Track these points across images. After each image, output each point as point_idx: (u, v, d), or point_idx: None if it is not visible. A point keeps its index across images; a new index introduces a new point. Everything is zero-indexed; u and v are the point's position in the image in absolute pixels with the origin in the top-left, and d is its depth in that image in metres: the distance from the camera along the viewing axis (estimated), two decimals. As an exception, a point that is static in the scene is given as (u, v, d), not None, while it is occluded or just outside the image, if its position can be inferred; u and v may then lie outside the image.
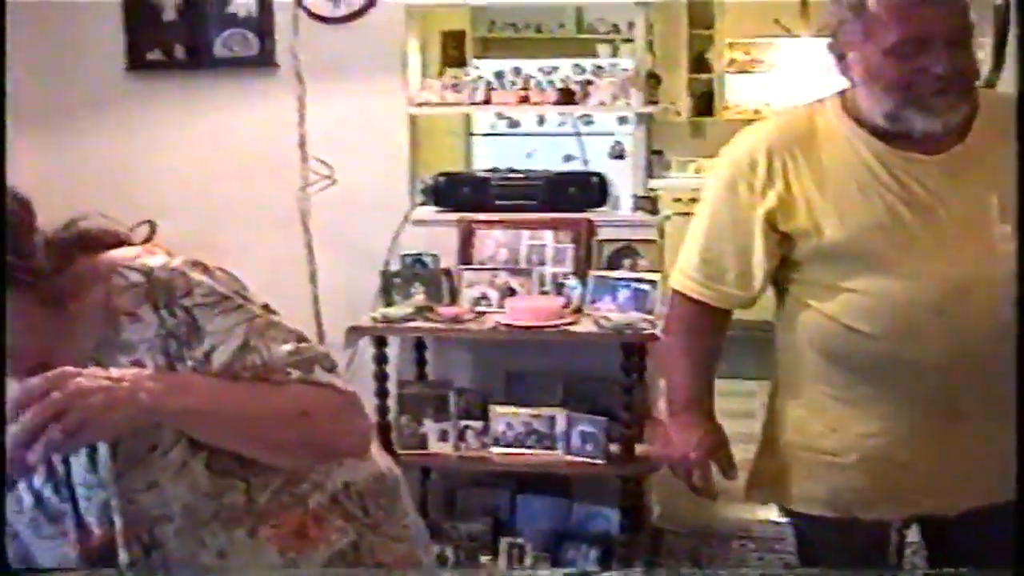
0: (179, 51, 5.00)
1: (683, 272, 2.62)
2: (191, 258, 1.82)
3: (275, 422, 1.74)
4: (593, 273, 4.60)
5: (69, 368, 1.53)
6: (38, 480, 1.78)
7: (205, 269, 1.80)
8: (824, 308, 2.45)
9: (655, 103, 4.95)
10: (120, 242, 1.84)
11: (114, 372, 1.59)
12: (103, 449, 1.73)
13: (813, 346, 2.51)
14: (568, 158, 6.61)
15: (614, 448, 4.42)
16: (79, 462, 1.76)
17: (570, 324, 4.40)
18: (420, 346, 4.83)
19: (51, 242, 1.74)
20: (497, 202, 4.81)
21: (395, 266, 4.75)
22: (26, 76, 4.79)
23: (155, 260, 1.79)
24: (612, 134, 7.54)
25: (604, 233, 4.72)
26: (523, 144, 7.66)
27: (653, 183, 5.34)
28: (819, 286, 2.47)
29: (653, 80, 4.90)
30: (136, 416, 1.58)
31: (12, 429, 1.47)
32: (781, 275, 2.55)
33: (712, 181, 2.62)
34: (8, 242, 1.65)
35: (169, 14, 4.99)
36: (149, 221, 1.89)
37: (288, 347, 1.77)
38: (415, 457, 4.50)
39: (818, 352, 2.50)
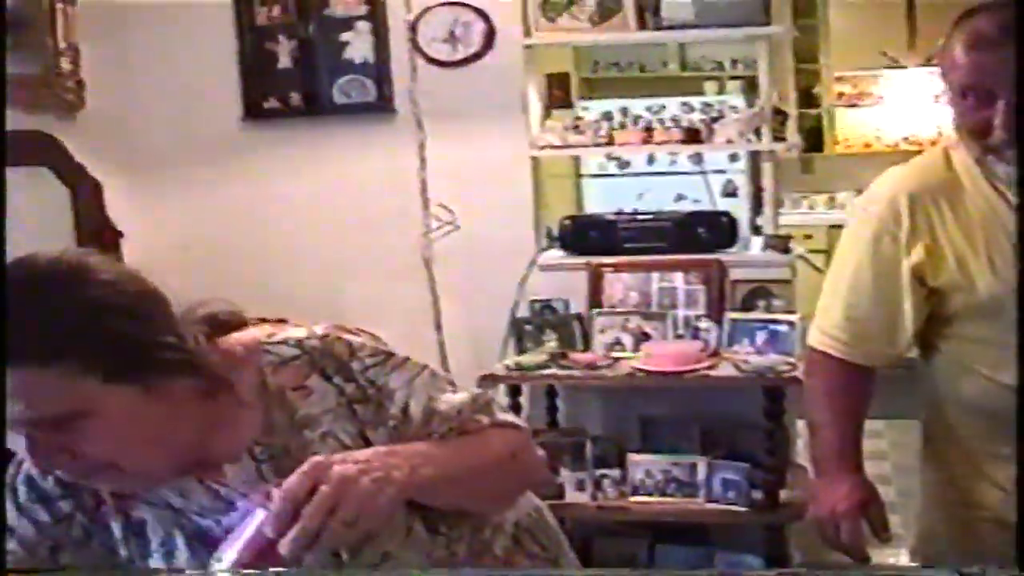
0: (295, 99, 5.10)
1: (825, 331, 2.58)
2: (328, 323, 1.83)
3: (497, 471, 1.79)
4: (729, 315, 4.64)
5: (319, 458, 1.52)
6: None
7: (348, 331, 1.82)
8: (979, 366, 2.40)
9: (782, 139, 4.99)
10: (244, 323, 1.82)
11: (357, 454, 1.58)
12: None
13: (968, 404, 2.45)
14: (680, 198, 6.67)
15: (757, 494, 4.43)
16: None
17: (709, 368, 4.44)
18: (551, 393, 4.87)
19: (187, 324, 1.70)
20: (625, 245, 4.87)
21: (524, 312, 4.82)
22: (144, 126, 4.94)
23: (298, 332, 1.79)
24: (724, 172, 7.61)
25: (735, 274, 4.76)
26: (634, 185, 7.71)
27: (761, 220, 5.39)
28: (972, 342, 2.42)
29: (780, 116, 4.95)
30: (398, 496, 1.56)
31: (289, 535, 1.44)
32: (929, 330, 2.49)
33: (852, 233, 2.56)
34: (160, 322, 1.63)
35: (284, 62, 5.10)
36: (282, 319, 1.87)
37: (465, 395, 1.82)
38: (551, 507, 4.52)
39: (974, 411, 2.44)
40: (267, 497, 1.50)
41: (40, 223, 4.59)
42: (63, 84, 4.73)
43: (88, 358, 1.54)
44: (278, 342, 1.76)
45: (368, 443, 1.70)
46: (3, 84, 3.15)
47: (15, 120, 4.42)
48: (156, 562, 1.71)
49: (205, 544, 1.67)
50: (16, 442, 1.58)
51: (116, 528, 1.74)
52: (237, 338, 1.76)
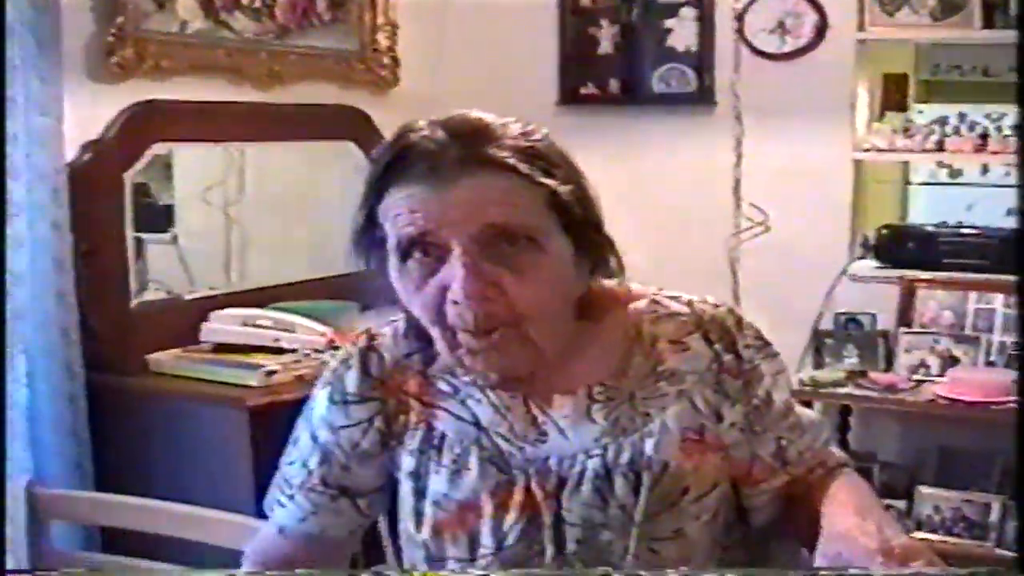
0: (614, 86, 5.44)
1: None
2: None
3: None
4: None
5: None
6: (508, 520, 1.79)
7: None
8: None
9: None
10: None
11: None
12: (644, 489, 1.76)
13: None
14: (1011, 212, 6.67)
15: None
16: (592, 500, 1.77)
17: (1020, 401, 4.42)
18: (844, 412, 4.97)
19: None
20: (944, 260, 4.95)
21: (827, 324, 5.00)
22: (455, 106, 5.35)
23: (690, 296, 1.91)
24: (1062, 186, 7.45)
25: None
26: (964, 196, 7.72)
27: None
28: None
29: None
30: None
31: None
32: None
33: None
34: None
35: (605, 47, 5.44)
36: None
37: (812, 413, 1.99)
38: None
39: None
40: None
41: (342, 196, 5.09)
42: (379, 60, 5.17)
43: (563, 197, 1.67)
44: (670, 296, 1.88)
45: (719, 418, 1.80)
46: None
47: (329, 94, 4.94)
48: (441, 479, 1.80)
49: (499, 469, 1.79)
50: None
51: (414, 439, 1.84)
52: (627, 285, 1.88)
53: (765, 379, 1.84)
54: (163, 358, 4.02)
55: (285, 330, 4.06)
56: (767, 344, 1.87)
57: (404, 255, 1.67)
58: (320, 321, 4.12)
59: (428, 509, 1.82)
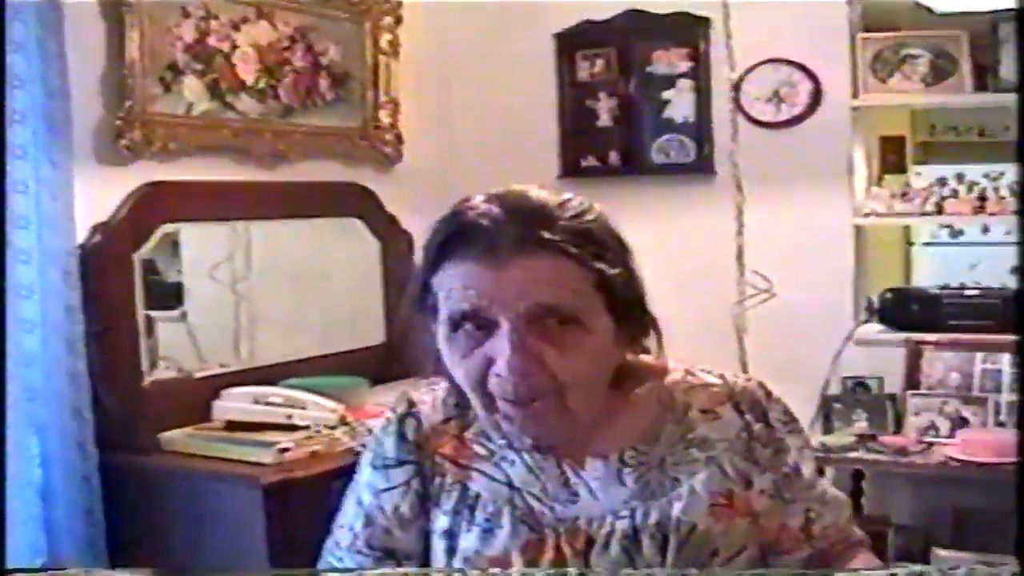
0: (614, 157, 5.51)
1: None
2: None
3: None
4: None
5: None
6: None
7: None
8: None
9: None
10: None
11: None
12: (671, 550, 1.81)
13: None
14: (1016, 270, 6.72)
15: None
16: (620, 559, 1.81)
17: None
18: (857, 476, 4.98)
19: None
20: (949, 322, 4.98)
21: (835, 388, 5.02)
22: (460, 181, 5.41)
23: (719, 370, 1.97)
24: (1061, 243, 7.52)
25: None
26: (967, 255, 7.77)
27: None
28: None
29: None
30: None
31: None
32: None
33: None
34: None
35: (604, 120, 5.52)
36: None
37: (840, 495, 2.02)
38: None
39: None
40: None
41: (349, 273, 5.13)
42: (382, 137, 5.21)
43: (609, 279, 1.72)
44: (703, 370, 1.95)
45: (749, 484, 1.86)
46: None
47: (334, 171, 4.99)
48: (473, 537, 1.84)
49: (530, 528, 1.83)
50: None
51: (449, 499, 1.88)
52: (665, 358, 1.93)
53: (792, 451, 1.91)
54: (175, 436, 4.02)
55: (296, 407, 4.07)
56: (794, 419, 1.96)
57: (455, 326, 1.72)
58: (331, 397, 4.13)
59: (459, 566, 1.86)
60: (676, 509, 1.81)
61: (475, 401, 1.77)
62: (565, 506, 1.84)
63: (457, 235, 1.70)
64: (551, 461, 1.85)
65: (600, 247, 1.73)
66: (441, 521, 1.88)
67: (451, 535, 1.87)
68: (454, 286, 1.70)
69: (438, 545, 1.89)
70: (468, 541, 1.85)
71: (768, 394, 1.94)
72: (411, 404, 1.95)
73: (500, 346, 1.69)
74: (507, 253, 1.67)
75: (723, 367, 1.98)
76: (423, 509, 1.91)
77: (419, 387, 2.00)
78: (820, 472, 4.39)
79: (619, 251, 1.79)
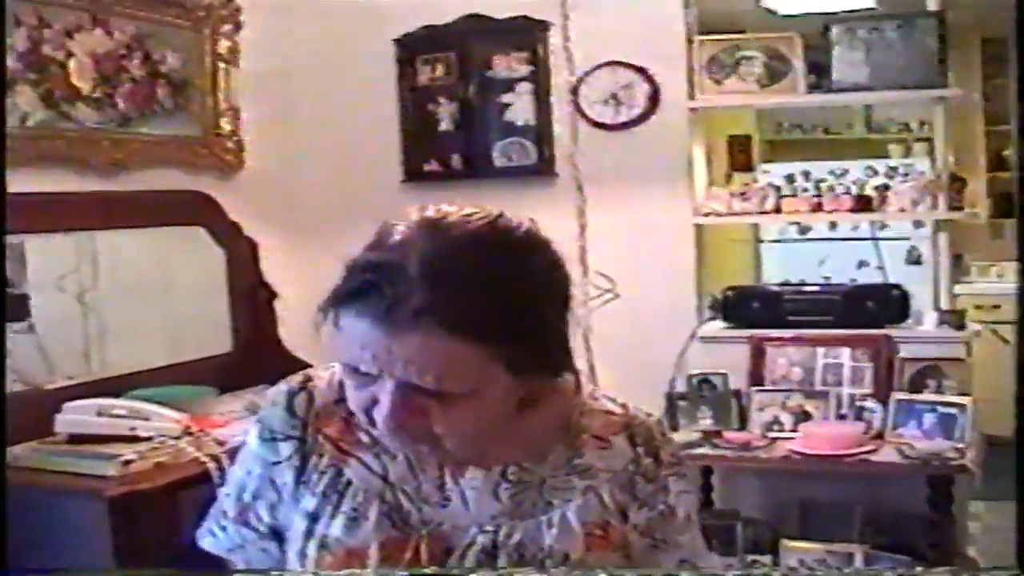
0: (456, 161, 5.56)
1: None
2: None
3: None
4: (895, 395, 4.79)
5: None
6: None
7: None
8: None
9: (959, 208, 5.16)
10: None
11: None
12: None
13: None
14: (862, 264, 6.88)
15: None
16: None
17: (870, 452, 4.58)
18: (707, 472, 5.10)
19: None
20: (790, 318, 5.12)
21: (680, 386, 5.10)
22: (303, 187, 5.42)
23: (624, 400, 1.96)
24: (908, 239, 7.78)
25: (905, 351, 4.93)
26: (815, 251, 7.96)
27: (935, 293, 5.57)
28: None
29: (957, 183, 5.13)
30: None
31: None
32: None
33: None
34: (566, 315, 1.74)
35: (446, 124, 5.57)
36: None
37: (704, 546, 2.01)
38: (697, 596, 4.76)
39: None
40: None
41: (195, 282, 5.09)
42: (222, 145, 5.18)
43: (513, 348, 1.62)
44: (608, 398, 1.91)
45: (625, 518, 1.83)
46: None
47: (175, 180, 4.94)
48: (337, 524, 1.82)
49: (394, 524, 1.80)
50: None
51: (321, 481, 1.85)
52: (571, 380, 1.87)
53: (672, 493, 1.87)
54: (19, 451, 3.95)
55: (140, 418, 4.02)
56: (681, 462, 1.93)
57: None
58: (177, 407, 4.10)
59: (313, 551, 1.84)
60: (549, 537, 1.79)
61: (360, 417, 1.75)
62: (434, 509, 1.81)
63: (358, 293, 1.61)
64: (433, 463, 1.83)
65: (512, 317, 1.62)
66: (307, 502, 1.86)
67: (314, 518, 1.85)
68: (352, 341, 1.62)
69: (299, 525, 1.86)
70: (330, 528, 1.83)
71: (663, 432, 1.92)
72: (307, 379, 1.91)
73: (383, 398, 1.64)
74: (403, 323, 1.57)
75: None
76: (298, 485, 1.88)
77: (264, 396, 1.98)
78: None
79: (540, 305, 1.68)
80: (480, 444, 1.79)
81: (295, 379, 1.93)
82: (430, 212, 1.68)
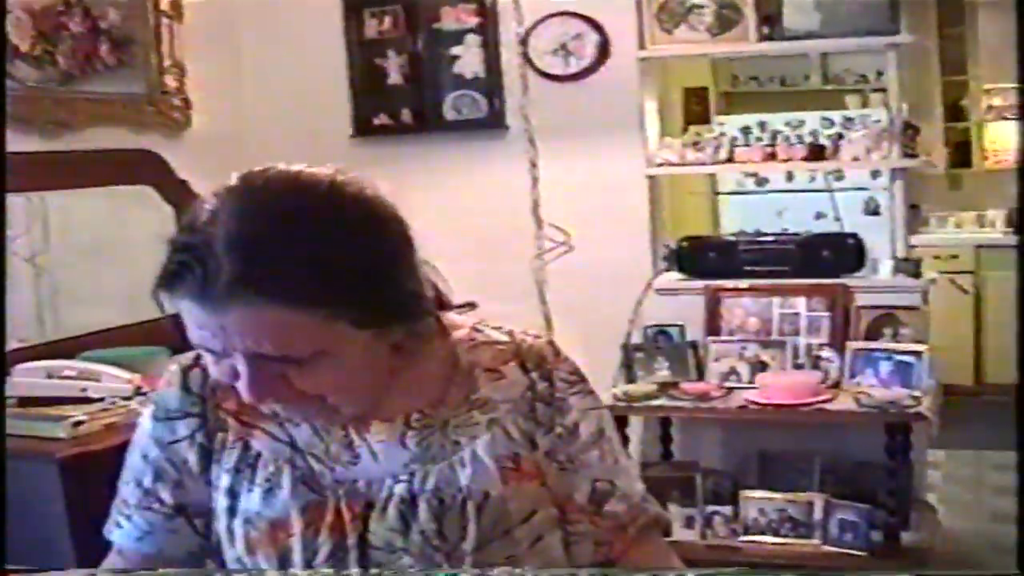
0: (406, 115, 5.55)
1: None
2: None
3: None
4: (851, 344, 4.83)
5: None
6: (318, 540, 1.80)
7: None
8: None
9: (914, 156, 5.17)
10: (446, 306, 1.91)
11: None
12: (472, 525, 1.79)
13: None
14: (820, 216, 6.90)
15: (876, 537, 4.60)
16: (396, 525, 1.79)
17: (827, 401, 4.62)
18: (665, 423, 5.13)
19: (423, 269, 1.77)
20: (745, 268, 5.13)
21: (637, 338, 5.11)
22: (251, 144, 5.37)
23: (508, 327, 1.95)
24: (866, 189, 7.84)
25: (862, 299, 4.96)
26: (772, 202, 8.00)
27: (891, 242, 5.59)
28: None
29: (910, 131, 5.13)
30: None
31: None
32: None
33: None
34: (412, 265, 1.71)
35: (395, 78, 5.55)
36: (471, 303, 2.02)
37: (635, 470, 1.98)
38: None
39: None
40: None
41: (146, 241, 5.03)
42: (168, 103, 5.14)
43: (347, 305, 1.61)
44: (493, 327, 1.92)
45: (534, 446, 1.83)
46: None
47: (121, 139, 4.89)
48: (255, 498, 1.81)
49: (310, 488, 1.80)
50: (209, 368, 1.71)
51: (231, 457, 1.84)
52: (448, 316, 1.89)
53: (573, 412, 1.87)
54: (-33, 415, 3.92)
55: (91, 379, 3.99)
56: (583, 380, 1.92)
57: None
58: (129, 368, 4.06)
59: (239, 528, 1.83)
60: (464, 477, 1.79)
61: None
62: (346, 468, 1.81)
63: (173, 274, 1.59)
64: (335, 422, 1.82)
65: (332, 277, 1.60)
66: (223, 479, 1.85)
67: (232, 494, 1.84)
68: (187, 320, 1.61)
69: (221, 503, 1.85)
70: (249, 502, 1.82)
71: (557, 352, 1.91)
72: (198, 355, 1.85)
73: (240, 370, 1.64)
74: (222, 299, 1.56)
75: (525, 323, 1.97)
76: (208, 464, 1.87)
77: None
78: (623, 418, 4.52)
79: (364, 257, 1.64)
80: (368, 396, 1.78)
81: (186, 356, 1.90)
82: (234, 180, 1.65)
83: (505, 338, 1.91)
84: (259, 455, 1.83)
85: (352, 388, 1.72)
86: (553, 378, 1.87)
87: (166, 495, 1.87)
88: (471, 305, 1.98)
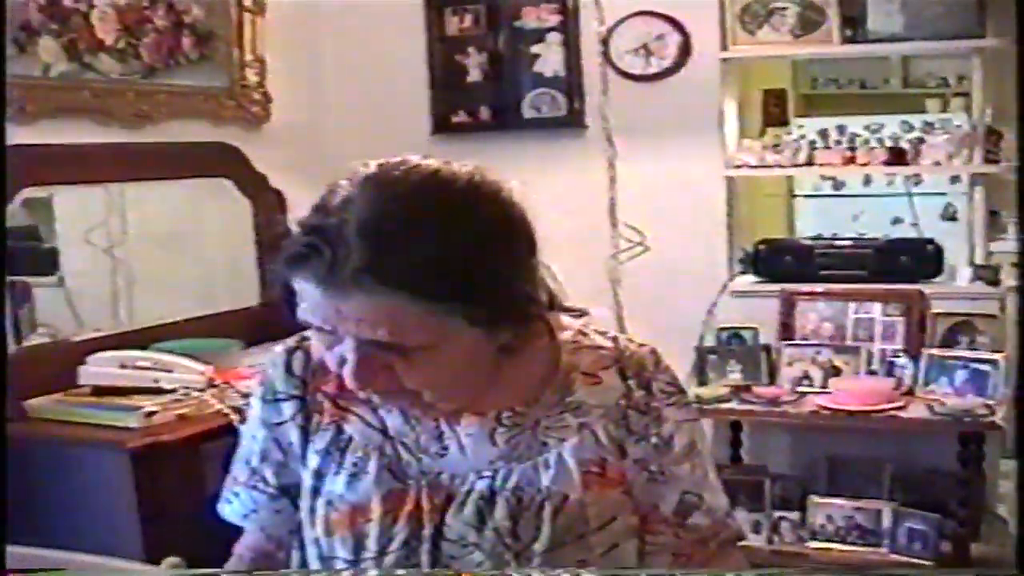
0: (485, 113, 5.59)
1: None
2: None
3: None
4: (926, 351, 4.80)
5: None
6: (395, 528, 1.83)
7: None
8: None
9: (996, 161, 5.09)
10: (556, 307, 1.92)
11: None
12: (546, 526, 1.80)
13: None
14: (896, 221, 6.87)
15: (945, 547, 4.59)
16: (472, 520, 1.81)
17: (900, 408, 4.61)
18: (736, 427, 5.14)
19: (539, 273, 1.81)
20: (821, 272, 5.12)
21: (710, 340, 5.13)
22: (330, 139, 5.43)
23: (615, 333, 1.97)
24: (944, 194, 7.78)
25: (938, 306, 4.93)
26: (849, 206, 7.99)
27: (971, 248, 5.55)
28: None
29: (994, 136, 5.08)
30: None
31: None
32: None
33: None
34: (532, 269, 1.76)
35: (474, 75, 5.59)
36: (583, 309, 2.00)
37: (719, 484, 1.99)
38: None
39: None
40: None
41: (222, 233, 5.12)
42: (248, 96, 5.21)
43: (466, 302, 1.63)
44: (598, 332, 1.93)
45: (623, 454, 1.85)
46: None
47: (201, 131, 4.97)
48: (340, 481, 1.85)
49: (394, 476, 1.83)
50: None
51: (323, 439, 1.89)
52: (558, 316, 1.91)
53: (669, 423, 1.87)
54: (43, 403, 4.00)
55: (164, 370, 4.06)
56: (681, 391, 1.93)
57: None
58: (202, 360, 4.13)
59: (321, 508, 1.88)
60: (545, 478, 1.80)
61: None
62: (433, 459, 1.84)
63: (298, 257, 1.62)
64: (429, 414, 1.85)
65: (459, 272, 1.62)
66: (312, 460, 1.90)
67: (319, 476, 1.89)
68: (304, 300, 1.64)
69: (307, 482, 1.90)
70: (334, 484, 1.86)
71: (658, 362, 1.92)
72: (301, 339, 1.93)
73: (348, 356, 1.67)
74: (345, 284, 1.58)
75: (600, 322, 1.98)
76: (306, 445, 1.92)
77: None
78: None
79: (493, 257, 1.67)
80: (467, 393, 1.81)
81: (290, 340, 1.96)
82: (372, 168, 1.68)
83: (608, 344, 1.92)
84: (350, 439, 1.88)
85: (454, 384, 1.75)
86: (652, 387, 1.87)
87: (270, 475, 1.96)
88: (583, 312, 1.98)
